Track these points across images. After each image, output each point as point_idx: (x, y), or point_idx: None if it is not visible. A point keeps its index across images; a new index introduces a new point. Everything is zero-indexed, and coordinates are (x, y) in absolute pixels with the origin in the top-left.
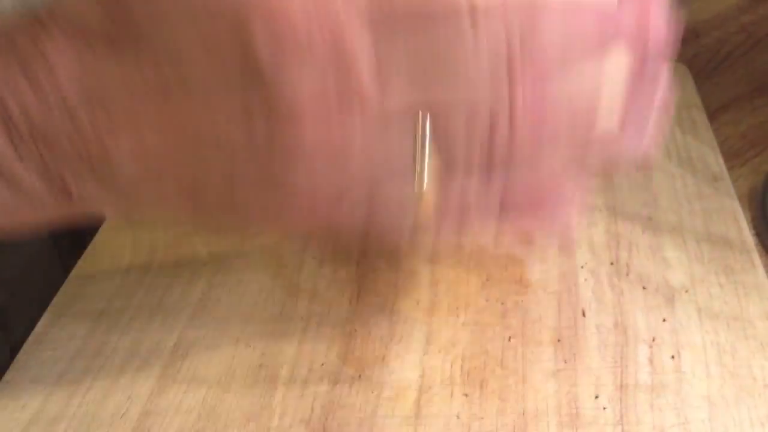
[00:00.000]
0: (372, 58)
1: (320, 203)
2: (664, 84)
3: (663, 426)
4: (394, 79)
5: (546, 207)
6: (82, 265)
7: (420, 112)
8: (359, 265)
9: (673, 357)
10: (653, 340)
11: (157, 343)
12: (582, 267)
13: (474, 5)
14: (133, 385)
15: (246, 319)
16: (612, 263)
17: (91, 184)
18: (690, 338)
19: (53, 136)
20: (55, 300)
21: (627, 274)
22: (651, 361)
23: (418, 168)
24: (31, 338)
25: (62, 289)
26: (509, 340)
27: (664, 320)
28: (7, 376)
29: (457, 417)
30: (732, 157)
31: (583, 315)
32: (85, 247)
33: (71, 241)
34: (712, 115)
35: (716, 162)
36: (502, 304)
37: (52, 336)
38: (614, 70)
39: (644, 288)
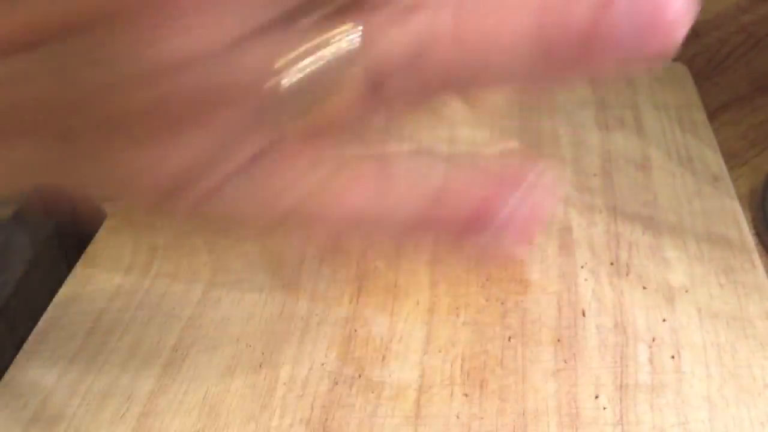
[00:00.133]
0: None
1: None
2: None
3: (663, 426)
4: None
5: None
6: (82, 265)
7: None
8: (359, 265)
9: (673, 357)
10: (653, 340)
11: (157, 343)
12: (582, 267)
13: None
14: (133, 385)
15: (246, 319)
16: (612, 263)
17: None
18: (690, 338)
19: None
20: (56, 300)
21: (627, 274)
22: (651, 361)
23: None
24: (31, 338)
25: (62, 289)
26: (509, 340)
27: (664, 320)
28: (8, 375)
29: (457, 417)
30: (732, 157)
31: (583, 315)
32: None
33: (77, 240)
34: (712, 115)
35: (716, 162)
36: (502, 304)
37: (53, 336)
38: None
39: (644, 288)
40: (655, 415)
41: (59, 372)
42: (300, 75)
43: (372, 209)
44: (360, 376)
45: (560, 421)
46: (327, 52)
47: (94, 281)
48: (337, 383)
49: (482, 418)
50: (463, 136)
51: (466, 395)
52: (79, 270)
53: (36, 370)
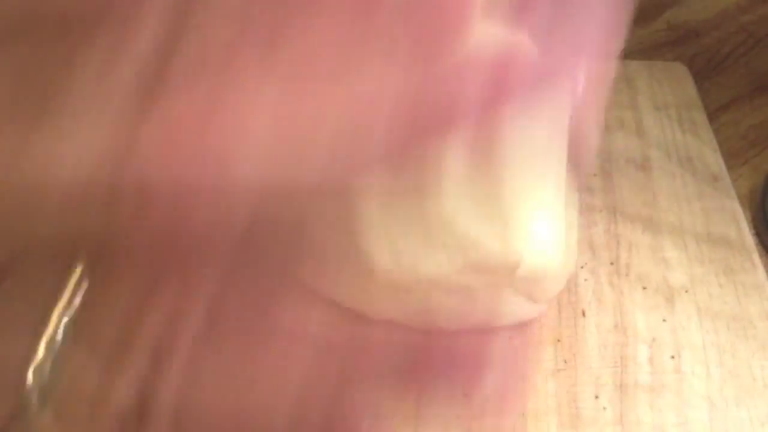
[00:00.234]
0: None
1: None
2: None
3: (663, 426)
4: None
5: None
6: None
7: None
8: None
9: (673, 357)
10: (653, 340)
11: None
12: (582, 267)
13: None
14: None
15: None
16: (612, 263)
17: None
18: (690, 338)
19: None
20: None
21: (627, 274)
22: (651, 361)
23: None
24: None
25: None
26: (509, 340)
27: (664, 320)
28: None
29: (457, 417)
30: (732, 157)
31: (583, 315)
32: None
33: None
34: (712, 115)
35: (716, 162)
36: None
37: None
38: None
39: (644, 288)
40: (655, 415)
41: None
42: None
43: None
44: None
45: (560, 421)
46: None
47: None
48: None
49: (482, 418)
50: None
51: (466, 395)
52: None
53: None
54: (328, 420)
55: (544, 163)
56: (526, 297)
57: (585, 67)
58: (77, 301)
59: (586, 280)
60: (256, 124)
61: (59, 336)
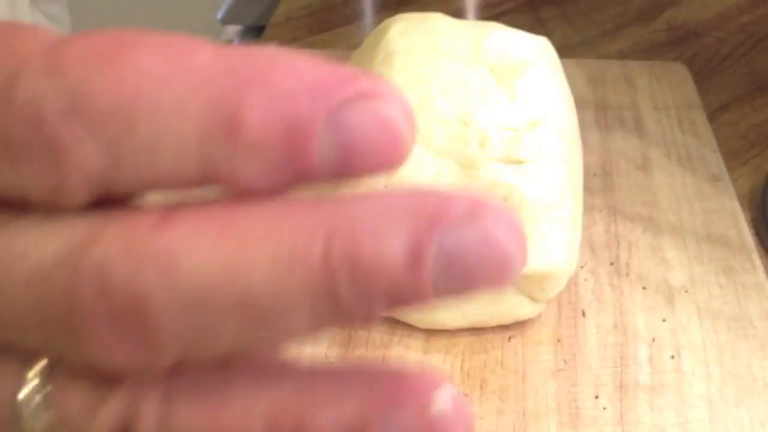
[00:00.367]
0: None
1: None
2: None
3: (663, 426)
4: None
5: None
6: None
7: None
8: None
9: (673, 357)
10: (653, 340)
11: None
12: (582, 267)
13: None
14: None
15: None
16: (612, 263)
17: None
18: (690, 338)
19: None
20: None
21: (627, 274)
22: (651, 361)
23: None
24: None
25: None
26: (509, 340)
27: (664, 320)
28: None
29: None
30: (732, 157)
31: (583, 315)
32: None
33: None
34: (712, 115)
35: (716, 162)
36: None
37: None
38: None
39: (644, 288)
40: (655, 415)
41: None
42: None
43: None
44: None
45: (560, 421)
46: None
47: None
48: None
49: (482, 418)
50: None
51: (466, 395)
52: None
53: None
54: None
55: (554, 166)
56: (526, 297)
57: None
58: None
59: (586, 280)
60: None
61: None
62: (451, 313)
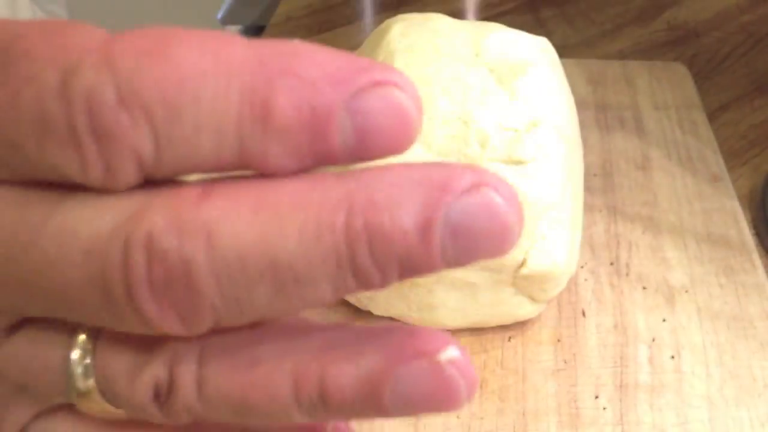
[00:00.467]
0: None
1: None
2: None
3: (663, 426)
4: None
5: None
6: None
7: None
8: None
9: (673, 357)
10: (653, 340)
11: None
12: (582, 267)
13: None
14: None
15: None
16: (612, 263)
17: None
18: (690, 338)
19: None
20: None
21: (627, 274)
22: (651, 361)
23: None
24: None
25: None
26: (509, 340)
27: (664, 320)
28: None
29: (457, 417)
30: (732, 157)
31: (583, 315)
32: None
33: None
34: (712, 115)
35: (716, 162)
36: None
37: None
38: None
39: (644, 288)
40: (655, 415)
41: None
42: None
43: None
44: None
45: (560, 421)
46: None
47: None
48: None
49: (482, 418)
50: None
51: None
52: None
53: None
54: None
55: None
56: (527, 297)
57: None
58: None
59: (586, 280)
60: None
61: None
62: (451, 313)
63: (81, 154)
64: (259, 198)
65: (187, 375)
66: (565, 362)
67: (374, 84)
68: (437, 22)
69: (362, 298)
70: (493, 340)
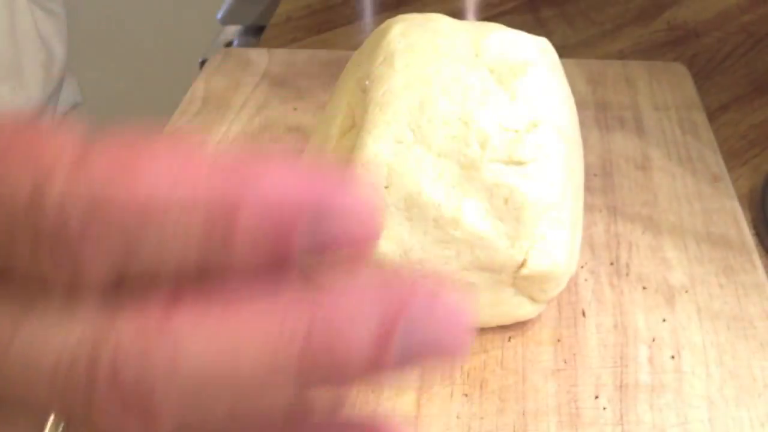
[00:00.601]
0: None
1: None
2: None
3: (663, 426)
4: None
5: None
6: None
7: None
8: None
9: (673, 357)
10: (653, 340)
11: None
12: (582, 267)
13: None
14: None
15: None
16: (612, 263)
17: None
18: (690, 338)
19: None
20: None
21: (627, 274)
22: (651, 361)
23: None
24: None
25: None
26: (509, 340)
27: (664, 320)
28: None
29: (457, 417)
30: (732, 157)
31: (583, 315)
32: None
33: None
34: (712, 115)
35: (716, 162)
36: None
37: None
38: None
39: (644, 288)
40: (655, 415)
41: None
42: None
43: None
44: None
45: (560, 421)
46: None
47: None
48: None
49: (482, 418)
50: None
51: (466, 395)
52: None
53: None
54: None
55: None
56: (527, 297)
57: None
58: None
59: (586, 280)
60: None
61: None
62: None
63: (48, 263)
64: (222, 318)
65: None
66: (565, 362)
67: (335, 197)
68: (437, 22)
69: None
70: (493, 340)
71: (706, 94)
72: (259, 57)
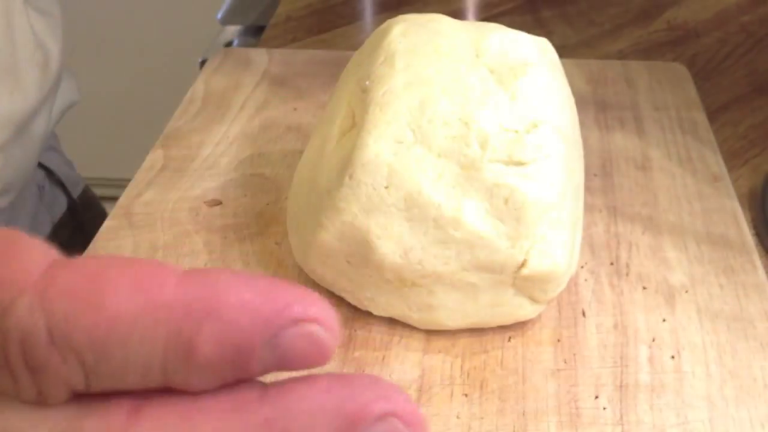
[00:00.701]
0: None
1: None
2: None
3: (663, 426)
4: None
5: None
6: None
7: None
8: None
9: (673, 357)
10: (653, 340)
11: None
12: (582, 267)
13: None
14: None
15: None
16: (612, 263)
17: None
18: (690, 338)
19: None
20: None
21: (627, 274)
22: (651, 361)
23: None
24: None
25: None
26: (509, 340)
27: (664, 320)
28: None
29: (457, 417)
30: (732, 157)
31: (583, 315)
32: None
33: (76, 240)
34: (712, 115)
35: (716, 162)
36: None
37: None
38: None
39: (644, 288)
40: (655, 415)
41: None
42: None
43: None
44: None
45: (560, 421)
46: None
47: None
48: None
49: (482, 418)
50: None
51: (466, 395)
52: None
53: None
54: None
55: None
56: (527, 297)
57: None
58: None
59: (586, 280)
60: None
61: None
62: (451, 314)
63: (14, 379)
64: (182, 426)
65: None
66: (565, 362)
67: (294, 322)
68: (438, 22)
69: (362, 299)
70: (493, 340)
71: (706, 94)
72: (259, 57)
